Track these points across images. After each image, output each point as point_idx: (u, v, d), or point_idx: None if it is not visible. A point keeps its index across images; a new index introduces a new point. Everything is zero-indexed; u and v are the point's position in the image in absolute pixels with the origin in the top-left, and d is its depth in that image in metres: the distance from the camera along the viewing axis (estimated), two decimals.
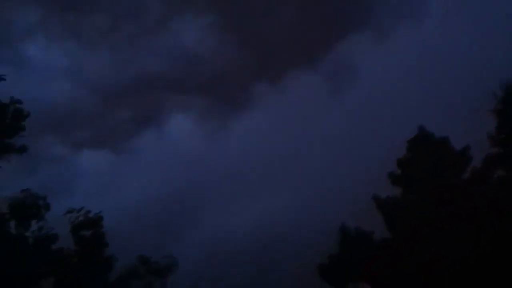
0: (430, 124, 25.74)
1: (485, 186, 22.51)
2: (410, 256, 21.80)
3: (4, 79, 17.30)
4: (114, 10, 53.42)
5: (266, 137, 51.10)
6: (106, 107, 56.21)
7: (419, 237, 22.00)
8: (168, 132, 54.94)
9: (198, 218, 44.00)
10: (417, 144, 24.91)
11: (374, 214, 24.59)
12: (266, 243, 36.92)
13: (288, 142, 49.02)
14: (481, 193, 21.96)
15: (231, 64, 54.83)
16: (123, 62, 56.78)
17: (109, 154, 53.06)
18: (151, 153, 52.04)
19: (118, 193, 44.15)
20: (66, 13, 53.31)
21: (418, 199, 23.33)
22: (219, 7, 53.97)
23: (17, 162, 18.44)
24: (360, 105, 47.28)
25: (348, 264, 23.87)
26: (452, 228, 21.42)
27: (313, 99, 51.21)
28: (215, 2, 53.01)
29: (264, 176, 47.31)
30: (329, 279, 24.30)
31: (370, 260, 23.09)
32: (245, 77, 55.60)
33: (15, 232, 19.60)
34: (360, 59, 50.89)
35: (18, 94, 18.29)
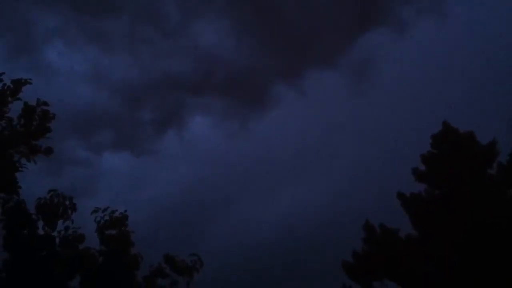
0: (454, 118, 25.53)
1: None
2: (438, 255, 21.58)
3: (31, 83, 17.34)
4: (133, 13, 53.75)
5: (286, 137, 51.19)
6: (127, 109, 56.69)
7: (447, 235, 21.76)
8: (189, 133, 55.35)
9: (220, 217, 44.24)
10: (442, 140, 24.65)
11: (398, 210, 24.44)
12: (289, 240, 37.00)
13: (309, 141, 49.02)
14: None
15: (250, 65, 54.89)
16: (143, 65, 57.24)
17: (130, 155, 53.63)
18: (172, 154, 52.43)
19: (141, 193, 44.62)
20: (86, 17, 53.79)
21: (444, 196, 23.08)
22: (236, 9, 54.07)
23: (42, 163, 18.53)
24: (381, 102, 47.13)
25: (373, 262, 23.73)
26: (479, 227, 21.16)
27: (333, 97, 51.13)
28: (233, 4, 53.08)
29: (286, 175, 47.39)
30: (354, 276, 24.17)
31: (396, 258, 22.93)
32: (264, 78, 55.65)
33: (42, 232, 19.84)
34: (380, 55, 50.65)
35: (40, 98, 18.27)
